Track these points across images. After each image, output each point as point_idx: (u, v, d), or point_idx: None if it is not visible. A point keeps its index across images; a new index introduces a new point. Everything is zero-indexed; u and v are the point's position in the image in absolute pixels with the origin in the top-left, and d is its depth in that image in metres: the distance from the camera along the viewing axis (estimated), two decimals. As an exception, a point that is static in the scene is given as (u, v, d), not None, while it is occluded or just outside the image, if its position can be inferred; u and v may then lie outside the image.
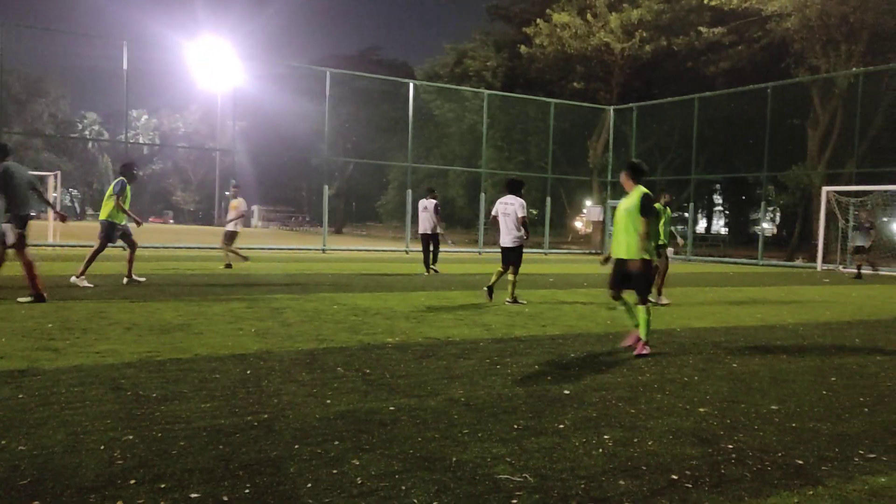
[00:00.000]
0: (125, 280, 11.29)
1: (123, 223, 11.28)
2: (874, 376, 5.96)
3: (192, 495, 2.96)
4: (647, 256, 6.68)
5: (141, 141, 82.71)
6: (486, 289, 10.76)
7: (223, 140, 72.09)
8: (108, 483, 3.06)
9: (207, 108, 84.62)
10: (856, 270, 19.50)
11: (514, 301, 10.42)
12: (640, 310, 6.68)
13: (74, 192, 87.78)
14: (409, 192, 27.81)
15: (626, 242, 6.78)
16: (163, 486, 3.05)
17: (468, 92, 37.64)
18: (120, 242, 11.68)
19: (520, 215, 10.32)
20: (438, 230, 16.19)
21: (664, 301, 10.92)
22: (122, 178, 11.30)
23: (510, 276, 10.50)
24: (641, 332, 6.67)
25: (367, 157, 51.89)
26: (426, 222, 16.12)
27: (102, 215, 11.14)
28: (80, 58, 52.45)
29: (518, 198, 10.44)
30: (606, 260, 7.38)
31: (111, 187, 11.18)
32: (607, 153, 34.47)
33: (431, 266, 16.20)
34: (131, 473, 3.18)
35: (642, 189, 6.84)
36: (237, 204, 15.96)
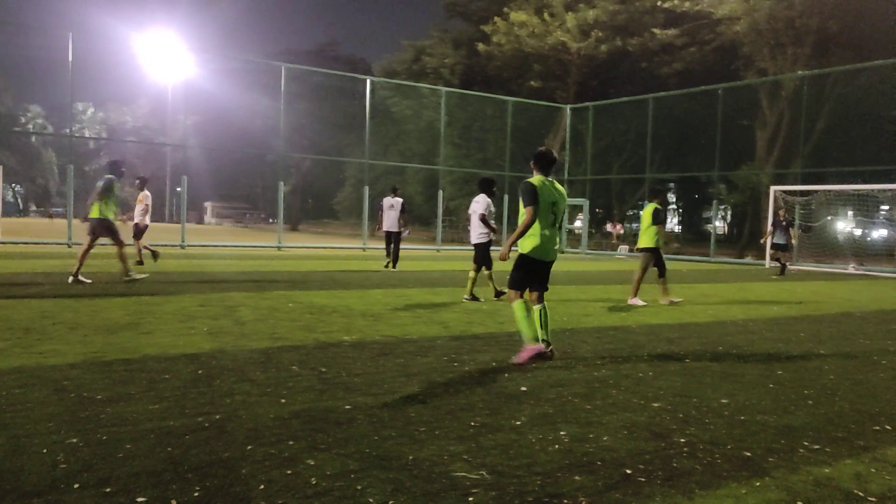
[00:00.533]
0: (71, 279, 10.96)
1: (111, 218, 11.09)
2: (818, 370, 6.12)
3: (139, 499, 2.88)
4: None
5: (87, 135, 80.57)
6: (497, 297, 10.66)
7: (174, 135, 70.58)
8: (52, 488, 2.96)
9: (157, 102, 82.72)
10: (779, 265, 19.90)
11: (473, 298, 10.46)
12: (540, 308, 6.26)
13: (17, 188, 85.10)
14: (367, 188, 27.68)
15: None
16: (108, 490, 2.96)
17: (426, 89, 37.62)
18: (89, 239, 11.21)
19: (479, 212, 10.54)
20: (403, 229, 16.63)
21: (639, 302, 10.85)
22: (110, 175, 11.15)
23: (472, 274, 10.58)
24: (541, 335, 6.07)
25: (324, 153, 51.46)
26: (392, 220, 16.45)
27: (95, 214, 10.95)
28: (23, 49, 50.78)
29: (485, 196, 10.64)
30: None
31: (100, 185, 11.01)
32: (564, 151, 34.81)
33: (392, 267, 16.48)
34: (75, 477, 3.08)
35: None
36: (142, 197, 15.60)
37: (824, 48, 29.91)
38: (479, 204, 10.58)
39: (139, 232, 15.41)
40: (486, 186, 10.74)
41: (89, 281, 11.11)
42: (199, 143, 58.81)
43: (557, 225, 6.26)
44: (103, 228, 10.96)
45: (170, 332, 6.80)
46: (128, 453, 3.41)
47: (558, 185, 6.30)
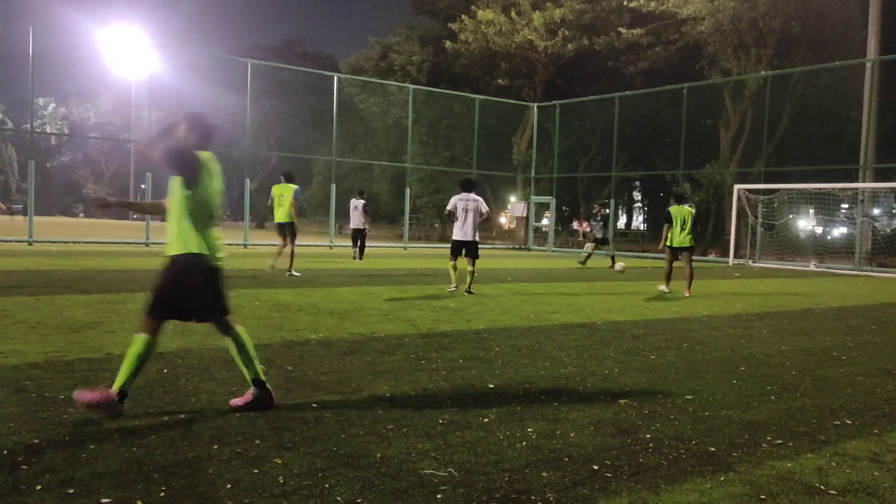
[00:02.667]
0: (288, 274, 13.02)
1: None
2: (780, 365, 6.25)
3: (104, 500, 2.83)
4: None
5: (48, 131, 78.79)
6: (454, 288, 11.40)
7: (138, 131, 69.43)
8: (12, 489, 2.90)
9: (121, 98, 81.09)
10: (586, 256, 20.58)
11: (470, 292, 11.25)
12: None
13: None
14: (334, 186, 27.51)
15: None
16: (71, 491, 2.91)
17: (393, 86, 37.48)
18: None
19: (483, 211, 11.39)
20: (365, 226, 18.70)
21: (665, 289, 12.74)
22: (297, 185, 13.57)
23: (469, 268, 11.31)
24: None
25: (291, 150, 50.91)
26: (357, 219, 18.62)
27: (285, 218, 13.33)
28: (-18, 42, 49.42)
29: (477, 196, 11.50)
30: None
31: (291, 192, 13.23)
32: (531, 149, 34.98)
33: (358, 258, 18.54)
34: (37, 479, 3.02)
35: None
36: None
37: (787, 49, 30.45)
38: (480, 203, 11.36)
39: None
40: (472, 185, 11.54)
41: (299, 274, 13.16)
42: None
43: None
44: (290, 229, 13.40)
45: (133, 330, 6.67)
46: (91, 454, 3.35)
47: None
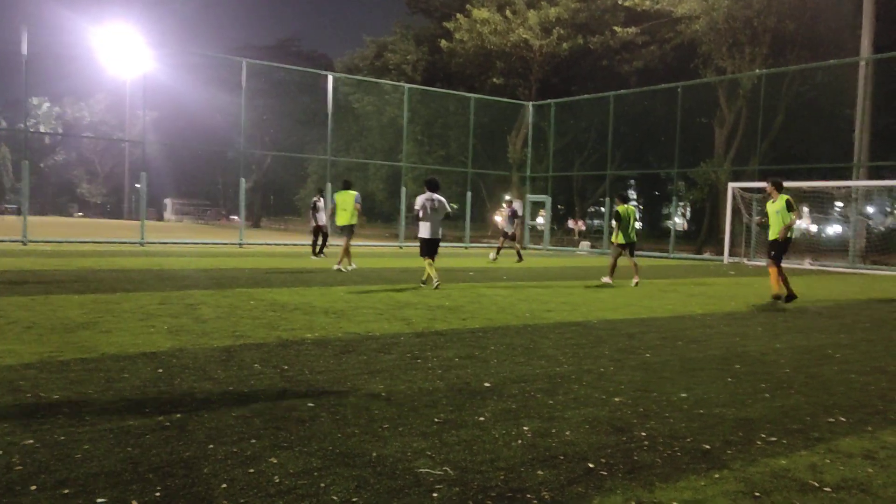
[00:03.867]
0: (348, 268, 14.73)
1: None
2: (774, 363, 6.27)
3: (99, 500, 2.83)
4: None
5: (42, 130, 78.52)
6: (424, 283, 12.08)
7: (133, 131, 69.17)
8: (7, 490, 2.89)
9: (115, 97, 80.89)
10: (495, 254, 20.75)
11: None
12: None
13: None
14: (329, 185, 27.48)
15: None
16: (66, 491, 2.91)
17: (388, 85, 37.47)
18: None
19: (448, 210, 12.00)
20: (324, 225, 19.63)
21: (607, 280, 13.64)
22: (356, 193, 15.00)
23: (429, 261, 11.89)
24: None
25: (286, 149, 50.96)
26: (319, 217, 19.70)
27: (349, 221, 14.85)
28: (-25, 41, 49.24)
29: (441, 196, 11.99)
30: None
31: (353, 198, 14.77)
32: (526, 148, 34.99)
33: (317, 256, 19.26)
34: (31, 479, 3.01)
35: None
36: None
37: (781, 47, 30.50)
38: (444, 202, 11.93)
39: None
40: (436, 186, 12.08)
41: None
42: (158, 138, 57.73)
43: None
44: (350, 231, 15.07)
45: (129, 330, 6.69)
46: (86, 454, 3.34)
47: None
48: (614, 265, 13.88)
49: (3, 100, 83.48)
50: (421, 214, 11.77)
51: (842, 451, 3.86)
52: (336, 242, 20.50)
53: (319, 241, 19.73)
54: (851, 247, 23.28)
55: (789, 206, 11.12)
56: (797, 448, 3.87)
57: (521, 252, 20.88)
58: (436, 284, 11.62)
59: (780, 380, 5.59)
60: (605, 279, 13.76)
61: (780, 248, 11.25)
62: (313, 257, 19.19)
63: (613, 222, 13.94)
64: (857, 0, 26.21)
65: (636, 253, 14.26)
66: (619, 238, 13.81)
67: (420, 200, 11.76)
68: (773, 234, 11.31)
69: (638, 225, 13.79)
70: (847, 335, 8.15)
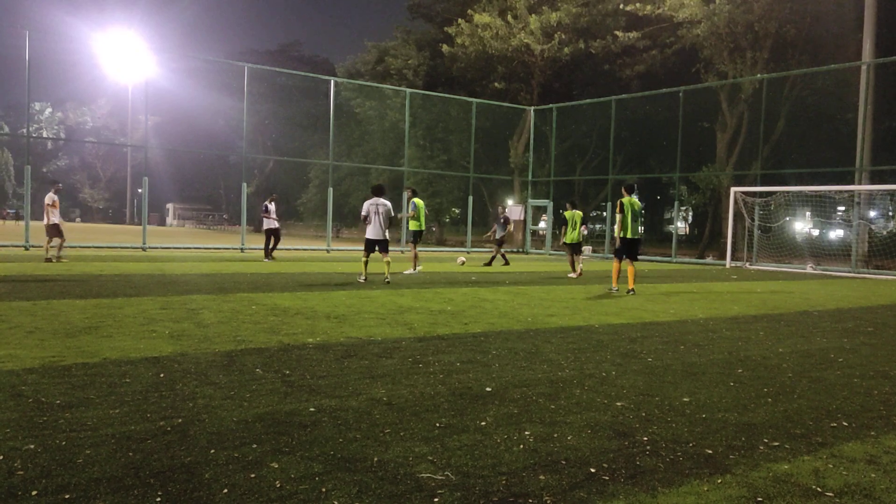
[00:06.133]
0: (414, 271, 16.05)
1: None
2: (777, 368, 6.25)
3: (100, 506, 2.83)
4: None
5: (45, 135, 78.71)
6: (364, 279, 13.21)
7: (135, 135, 69.32)
8: (8, 495, 2.89)
9: (117, 102, 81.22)
10: (491, 258, 20.75)
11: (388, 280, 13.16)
12: None
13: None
14: (331, 189, 27.51)
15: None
16: (67, 496, 2.90)
17: (390, 90, 37.52)
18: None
19: (393, 214, 13.31)
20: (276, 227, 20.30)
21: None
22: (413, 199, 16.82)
23: (386, 259, 13.35)
24: None
25: (288, 154, 51.03)
26: (270, 221, 20.19)
27: (415, 226, 16.64)
28: (-22, 47, 49.35)
29: (386, 200, 13.27)
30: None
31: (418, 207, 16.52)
32: (528, 153, 35.01)
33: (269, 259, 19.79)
34: (33, 484, 3.01)
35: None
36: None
37: (782, 52, 30.52)
38: (389, 206, 13.20)
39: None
40: (382, 191, 13.39)
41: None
42: (160, 143, 57.90)
43: None
44: (418, 237, 16.90)
45: (130, 335, 6.68)
46: (87, 459, 3.34)
47: None
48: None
49: (6, 105, 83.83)
50: (367, 218, 13.10)
51: (845, 455, 3.84)
52: (338, 247, 20.51)
53: (272, 244, 20.18)
54: (854, 251, 23.24)
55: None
56: (800, 453, 3.86)
57: (506, 256, 21.26)
58: (361, 279, 13.06)
59: (783, 384, 5.58)
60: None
61: None
62: (266, 260, 19.49)
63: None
64: (859, 4, 26.22)
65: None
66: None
67: (366, 206, 13.12)
68: None
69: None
70: (850, 339, 8.13)
